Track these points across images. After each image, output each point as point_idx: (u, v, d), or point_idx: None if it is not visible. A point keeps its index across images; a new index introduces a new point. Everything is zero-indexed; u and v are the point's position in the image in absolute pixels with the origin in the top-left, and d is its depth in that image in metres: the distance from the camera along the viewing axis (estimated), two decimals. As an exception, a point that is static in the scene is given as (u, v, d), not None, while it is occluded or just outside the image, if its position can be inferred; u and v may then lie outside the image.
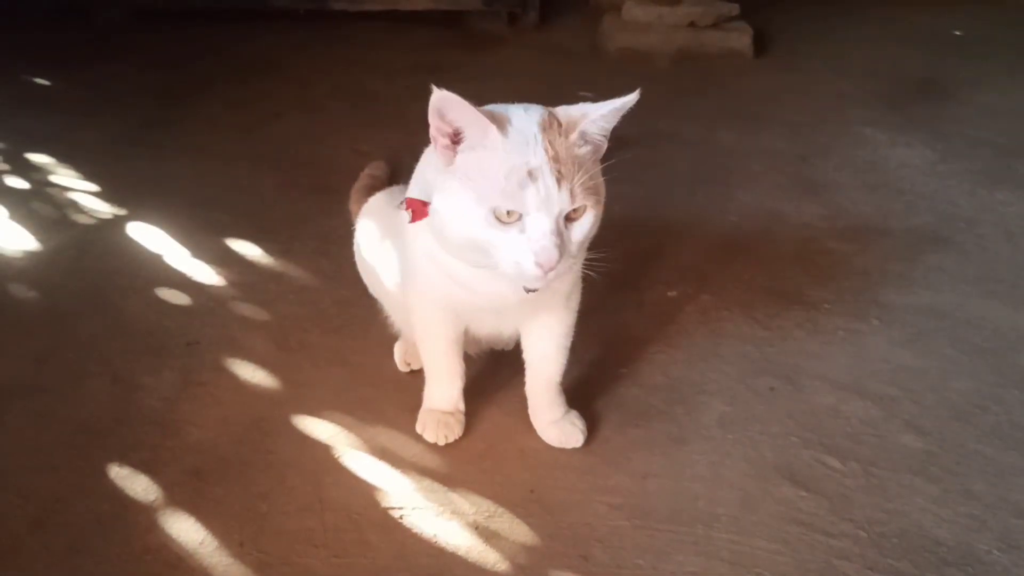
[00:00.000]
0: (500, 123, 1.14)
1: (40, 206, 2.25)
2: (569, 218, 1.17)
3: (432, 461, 1.45)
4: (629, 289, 1.92)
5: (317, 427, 1.52)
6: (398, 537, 1.30)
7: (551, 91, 3.09)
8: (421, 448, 1.48)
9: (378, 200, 1.64)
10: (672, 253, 2.10)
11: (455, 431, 1.49)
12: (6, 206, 2.24)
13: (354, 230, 1.65)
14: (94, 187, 2.35)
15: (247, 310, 1.84)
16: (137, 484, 1.39)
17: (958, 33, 3.95)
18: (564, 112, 1.19)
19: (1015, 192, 2.42)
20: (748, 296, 1.93)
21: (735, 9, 3.62)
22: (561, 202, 1.14)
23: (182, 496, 1.36)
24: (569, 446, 1.48)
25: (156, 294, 1.88)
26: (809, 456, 1.48)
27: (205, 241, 2.08)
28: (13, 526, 1.31)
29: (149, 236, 2.11)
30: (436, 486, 1.40)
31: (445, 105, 1.12)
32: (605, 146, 1.21)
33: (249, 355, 1.69)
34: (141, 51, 3.47)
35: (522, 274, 1.17)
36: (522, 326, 1.47)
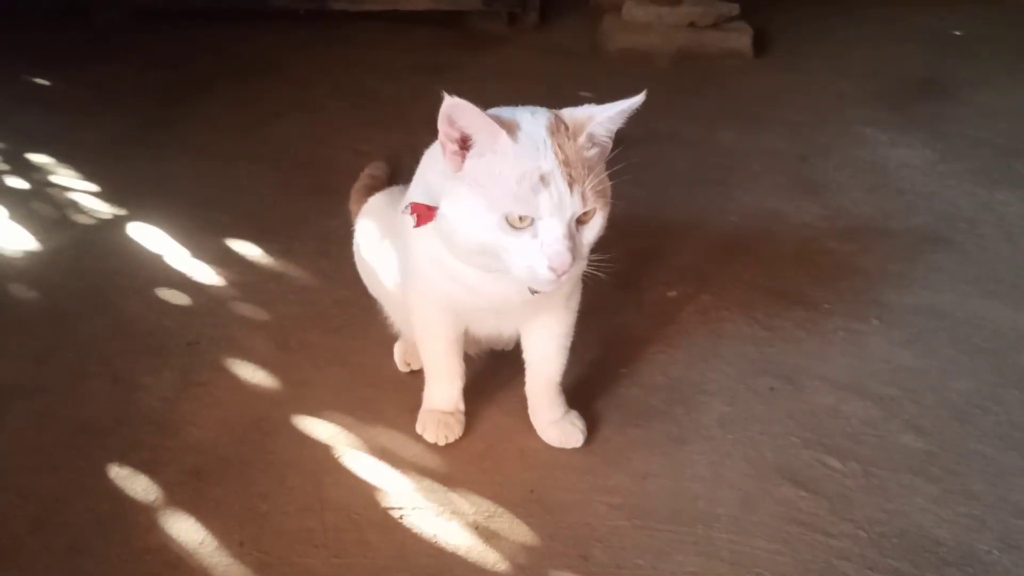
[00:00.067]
0: (510, 129, 1.14)
1: (40, 206, 2.26)
2: (580, 221, 1.17)
3: (432, 461, 1.45)
4: (629, 289, 1.92)
5: (317, 427, 1.52)
6: (398, 537, 1.30)
7: (551, 91, 3.12)
8: (421, 448, 1.48)
9: (378, 200, 1.64)
10: (672, 253, 2.10)
11: (455, 431, 1.49)
12: (6, 206, 2.24)
13: (354, 230, 1.65)
14: (94, 187, 2.35)
15: (247, 310, 1.84)
16: (137, 484, 1.39)
17: (958, 33, 3.95)
18: (570, 115, 1.19)
19: (1015, 192, 2.42)
20: (748, 296, 1.93)
21: (735, 9, 3.62)
22: (573, 206, 1.14)
23: (182, 496, 1.36)
24: (569, 446, 1.48)
25: (156, 294, 1.88)
26: (809, 456, 1.48)
27: (205, 241, 2.08)
28: (13, 526, 1.31)
29: (149, 236, 2.11)
30: (436, 486, 1.40)
31: (456, 112, 1.12)
32: (610, 147, 1.21)
33: (249, 355, 1.69)
34: (141, 51, 3.47)
35: (534, 278, 1.17)
36: (522, 326, 1.47)
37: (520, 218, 1.14)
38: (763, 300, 1.91)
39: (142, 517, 1.33)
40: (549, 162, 1.13)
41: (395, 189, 1.66)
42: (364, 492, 1.39)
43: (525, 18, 3.87)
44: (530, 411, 1.52)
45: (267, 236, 2.11)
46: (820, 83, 3.32)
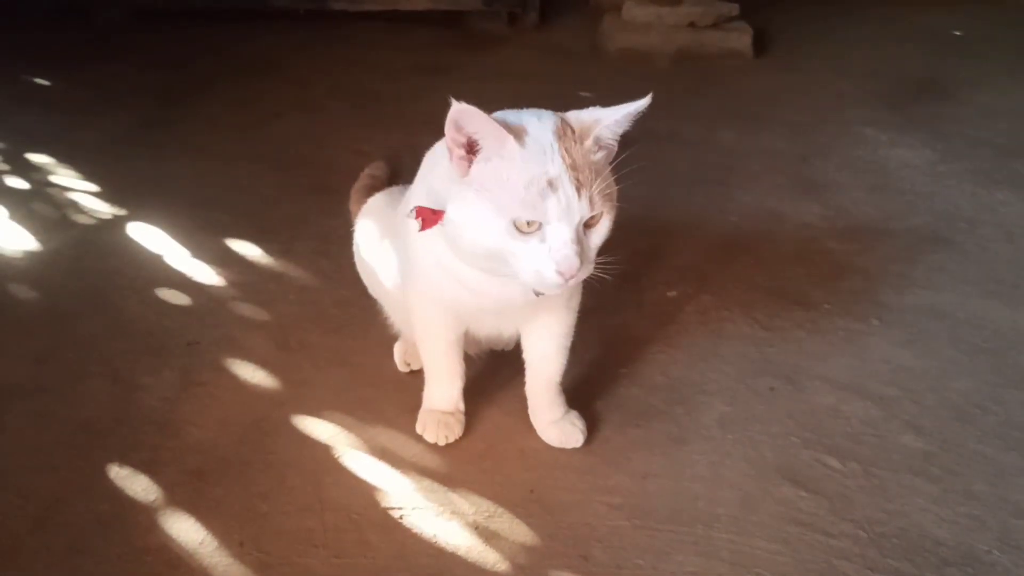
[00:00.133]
0: (517, 134, 1.14)
1: (40, 206, 2.26)
2: (587, 225, 1.17)
3: (432, 461, 1.45)
4: (629, 289, 1.92)
5: (317, 427, 1.52)
6: (398, 537, 1.30)
7: (551, 91, 3.12)
8: (421, 448, 1.48)
9: (378, 200, 1.64)
10: (672, 253, 2.10)
11: (455, 431, 1.49)
12: (6, 206, 2.24)
13: (354, 230, 1.65)
14: (94, 187, 2.35)
15: (247, 310, 1.84)
16: (137, 484, 1.39)
17: (958, 33, 3.95)
18: (576, 118, 1.19)
19: (1015, 192, 2.42)
20: (748, 296, 1.93)
21: (735, 9, 3.62)
22: (581, 210, 1.14)
23: (182, 496, 1.36)
24: (569, 446, 1.48)
25: (156, 294, 1.88)
26: (809, 456, 1.48)
27: (205, 241, 2.08)
28: (13, 526, 1.31)
29: (149, 236, 2.11)
30: (436, 486, 1.40)
31: (463, 117, 1.12)
32: (616, 150, 1.21)
33: (249, 355, 1.69)
34: (141, 51, 3.47)
35: (542, 282, 1.17)
36: (522, 326, 1.47)
37: (528, 223, 1.14)
38: (763, 300, 1.91)
39: (142, 517, 1.33)
40: (556, 166, 1.13)
41: (395, 189, 1.66)
42: (364, 492, 1.39)
43: (525, 18, 3.87)
44: (530, 411, 1.52)
45: (267, 236, 2.11)
46: (820, 83, 3.33)
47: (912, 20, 4.07)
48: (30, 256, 2.03)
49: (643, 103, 1.17)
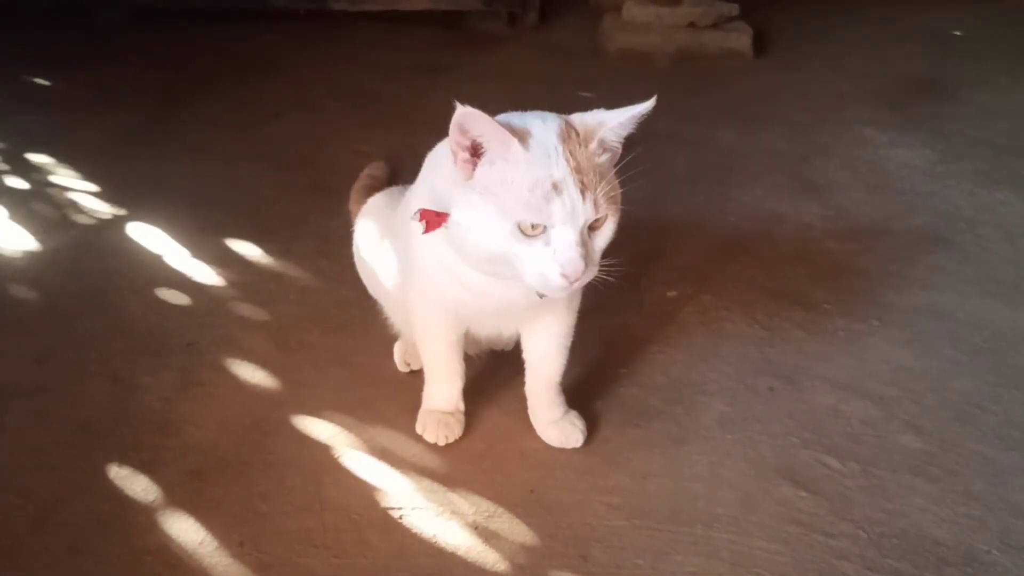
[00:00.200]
0: (521, 137, 1.14)
1: (40, 206, 2.26)
2: (592, 227, 1.17)
3: (432, 461, 1.45)
4: (629, 289, 1.91)
5: (317, 427, 1.52)
6: (398, 537, 1.31)
7: (551, 91, 3.12)
8: (421, 448, 1.48)
9: (377, 200, 1.64)
10: (672, 253, 2.10)
11: (455, 431, 1.49)
12: (6, 206, 2.24)
13: (353, 230, 1.65)
14: (94, 187, 2.35)
15: (247, 310, 1.84)
16: (137, 484, 1.39)
17: (958, 33, 3.94)
18: (580, 121, 1.19)
19: (1015, 192, 2.42)
20: (748, 296, 1.93)
21: (735, 9, 3.62)
22: (586, 213, 1.14)
23: (182, 496, 1.36)
24: (569, 446, 1.48)
25: (156, 294, 1.88)
26: (809, 456, 1.48)
27: (205, 241, 2.08)
28: (13, 526, 1.31)
29: (149, 236, 2.11)
30: (436, 486, 1.40)
31: (467, 120, 1.12)
32: (620, 152, 1.21)
33: (249, 355, 1.69)
34: (141, 51, 3.47)
35: (547, 285, 1.17)
36: (522, 326, 1.47)
37: (533, 226, 1.14)
38: (763, 300, 1.91)
39: (142, 517, 1.33)
40: (561, 169, 1.13)
41: (395, 189, 1.66)
42: (364, 492, 1.39)
43: (525, 18, 3.87)
44: (530, 411, 1.52)
45: (267, 236, 2.11)
46: (820, 83, 3.32)
47: (912, 20, 4.07)
48: (30, 256, 2.03)
49: (647, 105, 1.18)
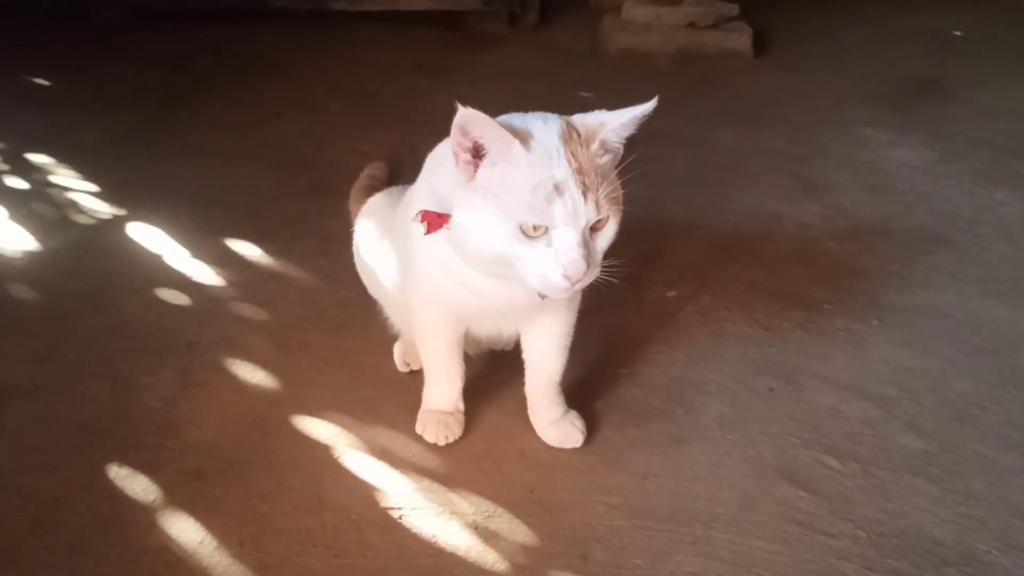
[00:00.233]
0: (523, 138, 1.14)
1: (40, 206, 2.26)
2: (593, 228, 1.17)
3: (432, 461, 1.45)
4: (629, 289, 1.91)
5: (317, 427, 1.52)
6: (398, 537, 1.31)
7: (551, 91, 3.12)
8: (421, 448, 1.48)
9: (377, 200, 1.64)
10: (672, 253, 2.10)
11: (455, 431, 1.49)
12: (6, 206, 2.24)
13: (353, 230, 1.65)
14: (94, 187, 2.35)
15: (247, 310, 1.84)
16: (137, 484, 1.39)
17: (958, 33, 3.94)
18: (582, 121, 1.19)
19: (1015, 192, 2.42)
20: (748, 296, 1.93)
21: (735, 9, 3.62)
22: (588, 214, 1.14)
23: (182, 496, 1.37)
24: (569, 446, 1.48)
25: (156, 294, 1.88)
26: (808, 456, 1.48)
27: (205, 241, 2.08)
28: (13, 526, 1.31)
29: (149, 236, 2.11)
30: (436, 486, 1.40)
31: (469, 122, 1.12)
32: (622, 153, 1.21)
33: (249, 355, 1.69)
34: (141, 51, 3.47)
35: (549, 286, 1.17)
36: (522, 326, 1.47)
37: (534, 227, 1.14)
38: (763, 300, 1.91)
39: (142, 517, 1.33)
40: (563, 171, 1.13)
41: (395, 189, 1.66)
42: (364, 492, 1.39)
43: (525, 18, 3.87)
44: (530, 411, 1.52)
45: (267, 236, 2.11)
46: (820, 83, 3.32)
47: (912, 20, 4.07)
48: (30, 256, 2.03)
49: (649, 106, 1.18)
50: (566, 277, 1.15)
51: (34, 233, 2.12)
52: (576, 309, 1.46)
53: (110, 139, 2.66)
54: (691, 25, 3.57)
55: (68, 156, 2.52)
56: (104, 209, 2.24)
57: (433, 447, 1.48)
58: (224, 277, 1.95)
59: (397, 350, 1.68)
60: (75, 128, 2.73)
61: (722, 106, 3.06)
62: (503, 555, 1.28)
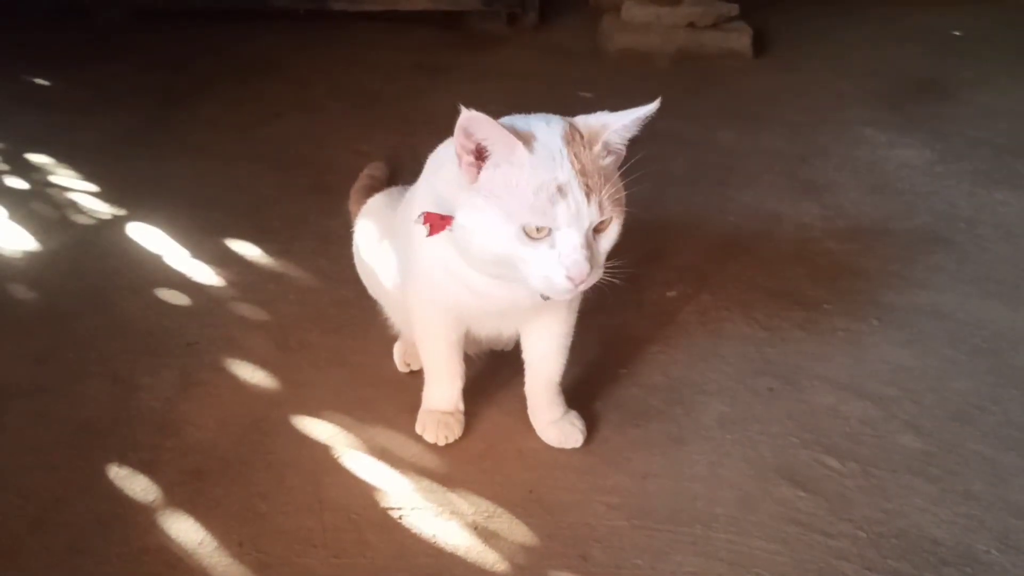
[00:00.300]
0: (526, 140, 1.14)
1: (40, 206, 2.26)
2: (596, 230, 1.18)
3: (431, 461, 1.45)
4: (629, 289, 1.91)
5: (316, 427, 1.52)
6: (397, 537, 1.31)
7: (551, 91, 3.12)
8: (420, 448, 1.48)
9: (377, 201, 1.64)
10: (672, 253, 2.10)
11: (455, 431, 1.49)
12: (6, 206, 2.24)
13: (353, 231, 1.65)
14: (94, 187, 2.35)
15: (246, 310, 1.84)
16: (137, 484, 1.39)
17: (958, 33, 3.95)
18: (585, 123, 1.19)
19: (1015, 192, 2.42)
20: (748, 296, 1.93)
21: (735, 9, 3.62)
22: (591, 216, 1.14)
23: (182, 496, 1.37)
24: (568, 446, 1.48)
25: (156, 294, 1.88)
26: (808, 456, 1.48)
27: (205, 241, 2.08)
28: (13, 526, 1.31)
29: (149, 236, 2.11)
30: (435, 486, 1.40)
31: (472, 124, 1.12)
32: (624, 154, 1.22)
33: (249, 355, 1.69)
34: (141, 51, 3.47)
35: (552, 287, 1.17)
36: (522, 326, 1.48)
37: (537, 229, 1.14)
38: (763, 300, 1.91)
39: (141, 517, 1.33)
40: (566, 172, 1.13)
41: (394, 190, 1.66)
42: (363, 492, 1.39)
43: (525, 18, 3.87)
44: (529, 411, 1.52)
45: (267, 236, 2.11)
46: (820, 83, 3.32)
47: (912, 20, 4.07)
48: (30, 256, 2.03)
49: (651, 108, 1.18)
50: (569, 279, 1.15)
51: (34, 233, 2.12)
52: (576, 309, 1.46)
53: (110, 139, 2.66)
54: (691, 25, 3.57)
55: (68, 156, 2.52)
56: (104, 209, 2.25)
57: (433, 447, 1.48)
58: (224, 277, 1.95)
59: (397, 350, 1.68)
60: (75, 128, 2.73)
61: (722, 106, 3.06)
62: (503, 555, 1.28)
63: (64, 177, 2.41)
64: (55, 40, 3.55)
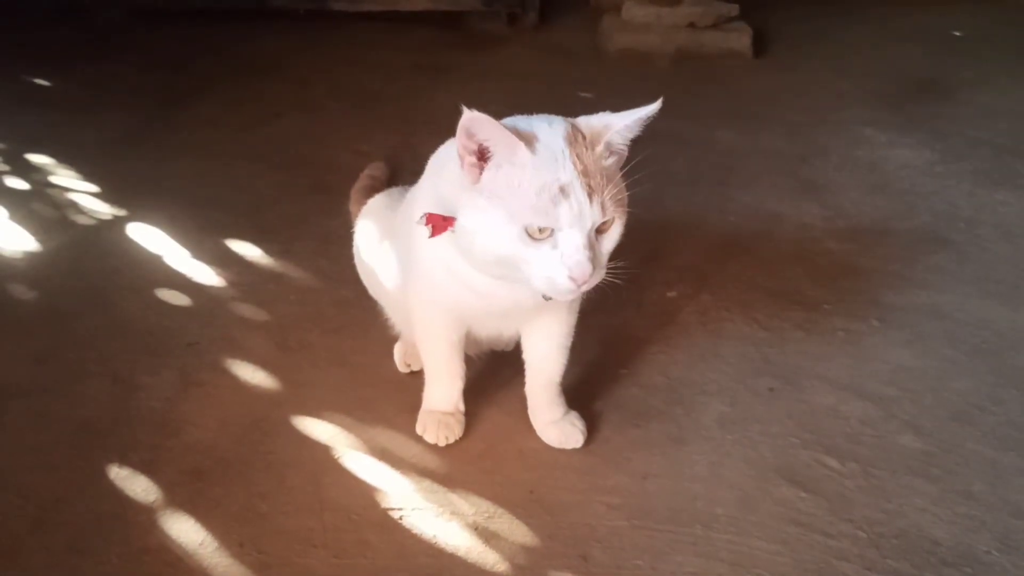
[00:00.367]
0: (528, 140, 1.14)
1: (40, 207, 2.26)
2: (599, 230, 1.18)
3: (432, 462, 1.45)
4: (629, 289, 1.90)
5: (317, 427, 1.52)
6: (398, 538, 1.31)
7: (551, 91, 3.13)
8: (421, 449, 1.48)
9: (378, 201, 1.64)
10: (672, 253, 2.10)
11: (455, 432, 1.49)
12: (6, 207, 2.24)
13: (354, 231, 1.65)
14: (94, 188, 2.35)
15: (247, 310, 1.84)
16: (137, 484, 1.39)
17: (958, 33, 3.95)
18: (587, 124, 1.19)
19: (1015, 192, 2.42)
20: (748, 296, 1.93)
21: (735, 9, 3.62)
22: (593, 216, 1.15)
23: (182, 496, 1.37)
24: (569, 446, 1.48)
25: (156, 294, 1.88)
26: (808, 456, 1.48)
27: (205, 241, 2.08)
28: (13, 526, 1.31)
29: (149, 236, 2.11)
30: (436, 487, 1.40)
31: (474, 125, 1.12)
32: (626, 155, 1.22)
33: (249, 355, 1.69)
34: (141, 51, 3.47)
35: (554, 288, 1.17)
36: (523, 327, 1.48)
37: (540, 230, 1.14)
38: (763, 300, 1.91)
39: (142, 517, 1.33)
40: (568, 173, 1.13)
41: (395, 190, 1.66)
42: (364, 492, 1.39)
43: (525, 18, 3.87)
44: (530, 411, 1.52)
45: (267, 236, 2.11)
46: (820, 83, 3.32)
47: (912, 20, 4.07)
48: (30, 256, 2.03)
49: (653, 108, 1.18)
50: (572, 279, 1.15)
51: (34, 233, 2.12)
52: (577, 310, 1.46)
53: (110, 139, 2.66)
54: (691, 25, 3.57)
55: (68, 156, 2.52)
56: (104, 209, 2.24)
57: (433, 447, 1.48)
58: (224, 277, 1.95)
59: (397, 351, 1.68)
60: (75, 128, 2.73)
61: (722, 106, 3.06)
62: (503, 556, 1.28)
63: (64, 177, 2.41)
64: (55, 40, 3.55)
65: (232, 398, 1.59)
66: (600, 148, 1.17)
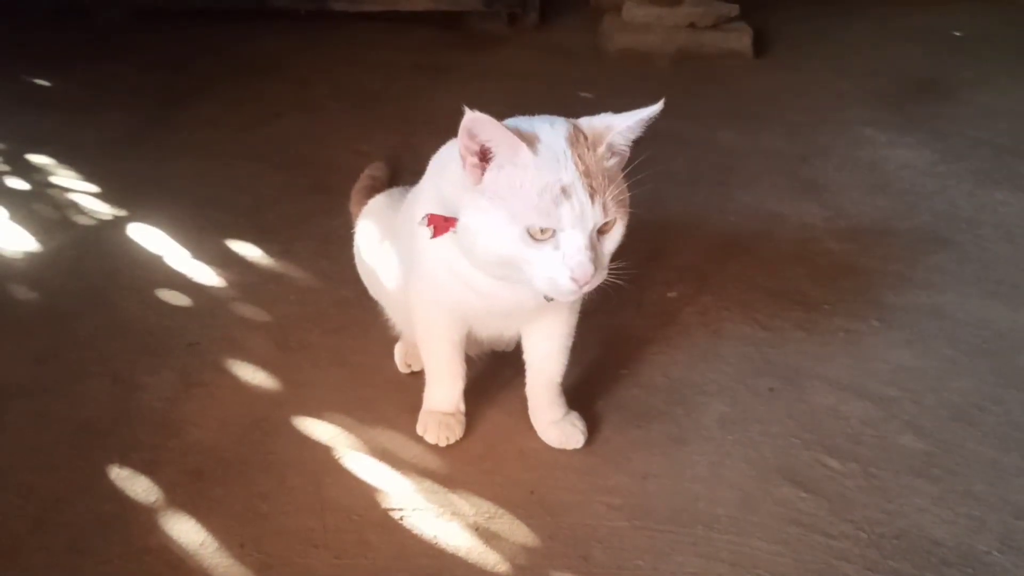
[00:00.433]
0: (530, 141, 1.14)
1: (40, 207, 2.26)
2: (601, 231, 1.18)
3: (432, 462, 1.45)
4: (629, 289, 1.90)
5: (317, 428, 1.52)
6: (398, 538, 1.31)
7: (551, 91, 3.13)
8: (421, 449, 1.48)
9: (378, 201, 1.64)
10: (672, 253, 2.10)
11: (456, 432, 1.49)
12: (7, 207, 2.24)
13: (354, 231, 1.65)
14: (94, 188, 2.35)
15: (247, 311, 1.84)
16: (137, 484, 1.39)
17: (958, 33, 3.95)
18: (588, 125, 1.19)
19: (1015, 192, 2.42)
20: (748, 296, 1.93)
21: (735, 10, 3.63)
22: (595, 217, 1.15)
23: (182, 497, 1.36)
24: (569, 447, 1.48)
25: (156, 295, 1.88)
26: (809, 457, 1.48)
27: (205, 242, 2.08)
28: (13, 526, 1.31)
29: (149, 237, 2.11)
30: (436, 487, 1.40)
31: (476, 126, 1.12)
32: (628, 155, 1.22)
33: (249, 356, 1.69)
34: (141, 51, 3.47)
35: (556, 289, 1.17)
36: (524, 327, 1.48)
37: (542, 230, 1.14)
38: (763, 300, 1.91)
39: (142, 517, 1.33)
40: (570, 174, 1.14)
41: (395, 190, 1.66)
42: (364, 493, 1.39)
43: (525, 18, 3.88)
44: (530, 412, 1.52)
45: (267, 236, 2.11)
46: (820, 83, 3.33)
47: (912, 20, 4.07)
48: (30, 256, 2.03)
49: (655, 109, 1.18)
50: (573, 280, 1.15)
51: (35, 234, 2.12)
52: (578, 310, 1.46)
53: (110, 139, 2.66)
54: (691, 25, 3.57)
55: (68, 156, 2.52)
56: (105, 210, 2.24)
57: (434, 448, 1.47)
58: (224, 277, 1.95)
59: (398, 351, 1.68)
60: (75, 128, 2.73)
61: (722, 106, 3.06)
62: (504, 556, 1.28)
63: (64, 177, 2.41)
64: (55, 40, 3.55)
65: (233, 398, 1.59)
66: (602, 149, 1.17)
